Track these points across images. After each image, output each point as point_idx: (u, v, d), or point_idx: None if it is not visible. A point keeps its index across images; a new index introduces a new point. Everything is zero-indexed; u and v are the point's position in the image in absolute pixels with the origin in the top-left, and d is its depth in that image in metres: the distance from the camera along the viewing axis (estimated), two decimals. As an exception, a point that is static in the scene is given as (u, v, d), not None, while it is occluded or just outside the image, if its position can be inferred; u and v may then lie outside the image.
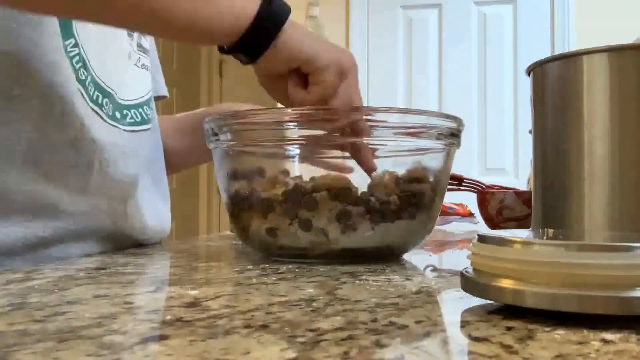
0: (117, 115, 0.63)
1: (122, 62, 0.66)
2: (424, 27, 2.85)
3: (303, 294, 0.32)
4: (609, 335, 0.23)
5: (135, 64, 0.69)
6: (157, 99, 0.83)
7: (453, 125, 0.49)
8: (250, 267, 0.45)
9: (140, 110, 0.67)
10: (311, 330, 0.23)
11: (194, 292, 0.33)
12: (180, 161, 0.86)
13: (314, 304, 0.29)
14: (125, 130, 0.64)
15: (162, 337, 0.23)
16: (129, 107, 0.66)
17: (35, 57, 0.53)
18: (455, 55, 2.81)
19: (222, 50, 0.53)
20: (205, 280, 0.37)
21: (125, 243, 0.65)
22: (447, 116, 0.48)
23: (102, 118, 0.60)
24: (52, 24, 0.54)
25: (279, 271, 0.42)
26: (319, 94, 0.52)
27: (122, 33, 0.66)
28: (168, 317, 0.26)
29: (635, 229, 0.41)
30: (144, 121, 0.68)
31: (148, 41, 0.74)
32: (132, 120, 0.66)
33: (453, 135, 0.49)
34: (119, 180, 0.61)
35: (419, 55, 2.84)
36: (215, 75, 4.17)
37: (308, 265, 0.45)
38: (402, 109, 0.48)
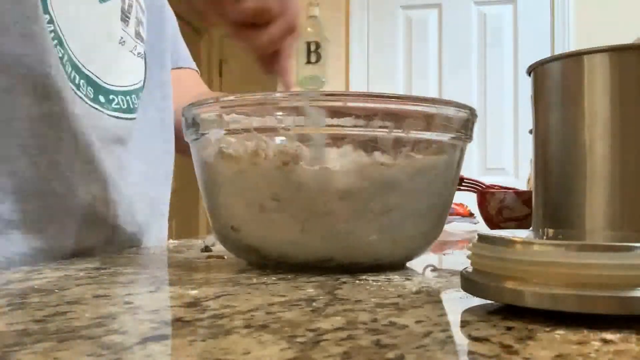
0: (101, 99, 0.61)
1: (112, 47, 0.63)
2: (424, 27, 2.85)
3: (303, 294, 0.32)
4: (609, 335, 0.23)
5: (131, 51, 0.67)
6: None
7: (463, 115, 0.43)
8: (250, 267, 0.45)
9: (128, 97, 0.65)
10: (311, 330, 0.23)
11: (194, 292, 0.33)
12: None
13: (314, 304, 0.29)
14: (110, 115, 0.62)
15: (162, 337, 0.23)
16: (116, 93, 0.63)
17: (9, 27, 0.51)
18: (455, 55, 2.81)
19: None
20: (205, 280, 0.37)
21: (108, 232, 0.61)
22: (457, 105, 0.43)
23: (81, 99, 0.58)
24: None
25: (279, 271, 0.42)
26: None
27: (113, 18, 0.64)
28: (168, 317, 0.26)
29: (636, 229, 0.41)
30: (129, 110, 0.65)
31: (144, 28, 0.71)
32: (118, 107, 0.63)
33: (463, 128, 0.44)
34: (98, 164, 0.59)
35: (419, 55, 2.84)
36: (216, 75, 4.17)
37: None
38: (403, 95, 0.42)
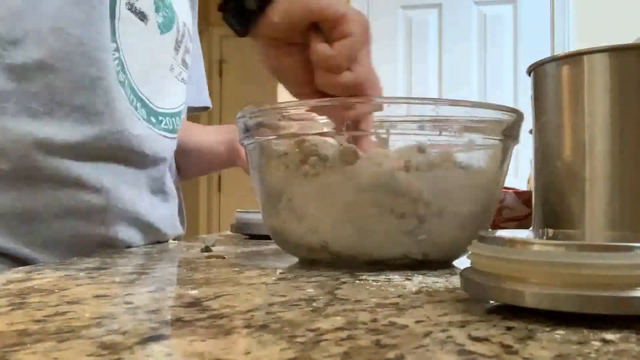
0: (153, 119, 0.67)
1: (163, 73, 0.70)
2: (424, 27, 2.85)
3: (303, 294, 0.32)
4: (609, 335, 0.23)
5: (177, 77, 0.73)
6: (202, 109, 0.92)
7: (509, 118, 0.45)
8: (250, 267, 0.45)
9: (173, 119, 0.72)
10: (311, 330, 0.23)
11: (194, 292, 0.33)
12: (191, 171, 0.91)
13: (314, 304, 0.29)
14: (159, 134, 0.68)
15: (162, 337, 0.23)
16: (164, 115, 0.70)
17: (83, 53, 0.57)
18: (455, 56, 2.80)
19: (221, 6, 0.48)
20: (205, 280, 0.37)
21: (153, 235, 0.68)
22: (503, 108, 0.44)
23: (139, 119, 0.64)
24: (103, 25, 0.59)
25: (279, 271, 0.42)
26: (348, 47, 0.45)
27: (168, 47, 0.70)
28: (168, 317, 0.26)
29: (636, 229, 0.41)
30: (174, 130, 0.72)
31: (190, 55, 0.78)
32: (166, 127, 0.70)
33: (510, 130, 0.45)
34: (154, 178, 0.66)
35: (419, 55, 2.84)
36: (215, 75, 4.16)
37: (308, 265, 0.45)
38: (446, 100, 0.44)
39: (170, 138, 0.71)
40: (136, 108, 0.64)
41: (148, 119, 0.66)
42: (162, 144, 0.69)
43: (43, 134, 0.56)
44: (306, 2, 0.46)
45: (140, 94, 0.65)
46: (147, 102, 0.67)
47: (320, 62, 0.46)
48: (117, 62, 0.61)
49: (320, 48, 0.46)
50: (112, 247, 0.62)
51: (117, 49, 0.61)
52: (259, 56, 0.51)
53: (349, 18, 0.46)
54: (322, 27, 0.47)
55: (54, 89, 0.56)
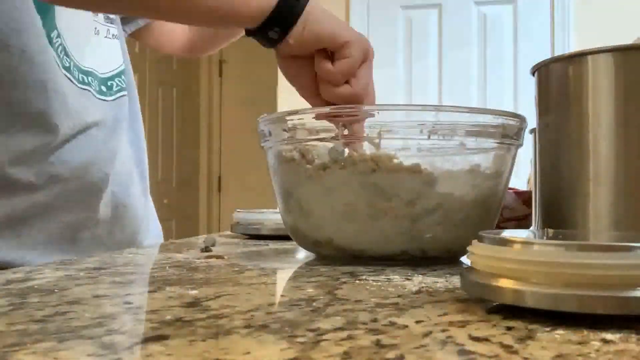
0: (104, 88, 0.70)
1: (94, 40, 0.71)
2: (424, 27, 2.85)
3: (303, 294, 0.32)
4: (609, 335, 0.23)
5: (106, 37, 0.74)
6: None
7: (513, 123, 0.47)
8: (250, 267, 0.45)
9: (118, 79, 0.74)
10: (311, 330, 0.23)
11: (194, 292, 0.33)
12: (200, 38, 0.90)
13: (314, 304, 0.29)
14: (112, 100, 0.71)
15: (162, 337, 0.23)
16: (112, 78, 0.73)
17: (22, 60, 0.60)
18: (455, 56, 2.80)
19: (248, 32, 0.54)
20: (205, 280, 0.37)
21: (106, 199, 0.70)
22: (504, 113, 0.47)
23: (94, 95, 0.67)
24: (35, 23, 0.60)
25: (279, 271, 0.42)
26: (346, 66, 0.53)
27: (85, 13, 0.71)
28: (168, 317, 0.26)
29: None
30: (122, 89, 0.74)
31: None
32: (118, 88, 0.73)
33: (514, 135, 0.47)
34: (110, 147, 0.69)
35: (419, 55, 2.83)
36: (215, 75, 4.17)
37: (308, 266, 0.45)
38: (451, 106, 0.47)
39: (120, 97, 0.74)
40: (89, 84, 0.67)
41: (100, 89, 0.69)
42: (111, 109, 0.71)
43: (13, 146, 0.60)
44: (317, 31, 0.53)
45: (86, 68, 0.68)
46: (95, 72, 0.69)
47: (323, 76, 0.54)
48: (60, 48, 0.63)
49: (323, 65, 0.54)
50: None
51: (59, 35, 0.63)
52: (280, 67, 0.57)
53: (351, 43, 0.53)
54: (329, 49, 0.54)
55: (10, 102, 0.60)
